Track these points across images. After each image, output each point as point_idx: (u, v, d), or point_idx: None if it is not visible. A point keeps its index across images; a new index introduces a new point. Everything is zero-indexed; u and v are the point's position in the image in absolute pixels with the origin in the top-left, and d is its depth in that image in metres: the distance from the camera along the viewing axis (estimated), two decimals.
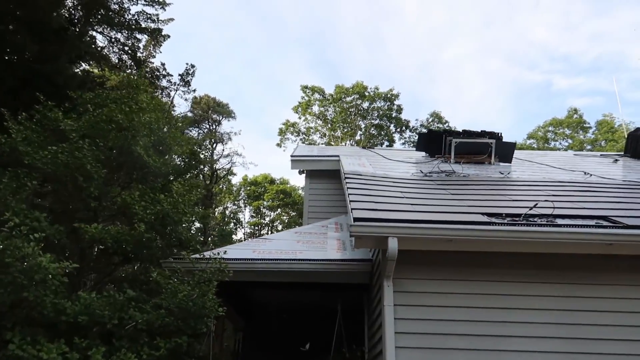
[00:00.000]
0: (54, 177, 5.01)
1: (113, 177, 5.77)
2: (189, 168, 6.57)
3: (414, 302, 5.12)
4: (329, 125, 35.23)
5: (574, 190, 7.01)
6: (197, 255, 5.49)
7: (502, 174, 8.61)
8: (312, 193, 10.73)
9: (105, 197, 5.44)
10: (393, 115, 34.35)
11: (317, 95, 35.81)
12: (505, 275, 5.19)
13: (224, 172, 34.26)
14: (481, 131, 10.74)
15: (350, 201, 5.81)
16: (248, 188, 38.10)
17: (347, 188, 6.73)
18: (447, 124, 32.70)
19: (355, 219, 4.93)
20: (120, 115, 5.46)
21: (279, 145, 35.98)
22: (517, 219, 5.19)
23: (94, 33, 18.14)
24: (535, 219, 5.16)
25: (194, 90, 17.47)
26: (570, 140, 33.23)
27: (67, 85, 8.50)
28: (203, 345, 6.27)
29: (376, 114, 34.89)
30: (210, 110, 30.35)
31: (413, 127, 34.22)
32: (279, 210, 37.88)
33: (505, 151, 10.27)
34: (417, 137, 13.16)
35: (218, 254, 5.54)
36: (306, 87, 35.58)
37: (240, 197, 38.67)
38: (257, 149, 60.51)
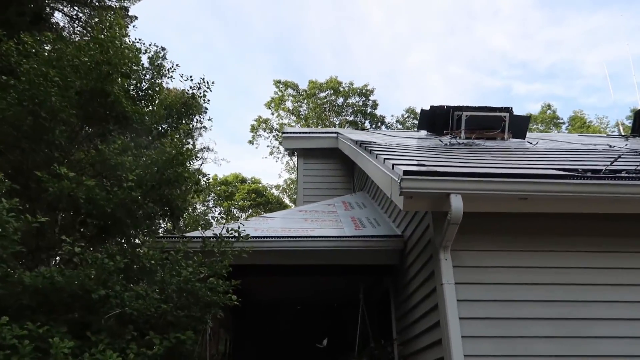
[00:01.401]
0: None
1: (82, 130, 4.45)
2: (179, 120, 5.30)
3: (480, 279, 4.03)
4: (303, 121, 34.06)
5: (625, 155, 6.12)
6: (198, 234, 4.24)
7: (532, 143, 7.69)
8: (306, 174, 9.57)
9: (70, 151, 4.13)
10: (368, 112, 33.52)
11: (290, 91, 34.66)
12: (589, 244, 4.17)
13: (194, 170, 32.44)
14: (486, 106, 9.88)
15: (385, 159, 4.69)
16: (218, 188, 36.44)
17: (371, 152, 5.62)
18: None
19: (406, 172, 3.81)
20: (92, 45, 4.18)
21: (251, 142, 34.57)
22: (598, 174, 4.19)
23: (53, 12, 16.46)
24: (622, 174, 4.18)
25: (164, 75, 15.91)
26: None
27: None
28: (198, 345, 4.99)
29: (351, 110, 34.00)
30: (179, 105, 28.56)
31: (389, 123, 33.53)
32: (250, 210, 36.38)
33: (519, 126, 9.40)
34: (418, 115, 12.17)
35: (238, 228, 4.33)
36: (279, 82, 34.40)
37: (210, 197, 36.94)
38: (223, 153, 58.89)
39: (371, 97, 33.56)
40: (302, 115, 34.26)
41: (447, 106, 10.07)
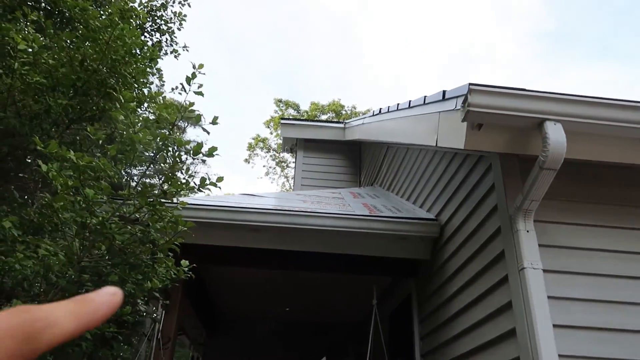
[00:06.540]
0: None
1: None
2: None
3: (580, 267, 2.57)
4: None
5: None
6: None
7: None
8: (306, 169, 8.15)
9: None
10: None
11: (291, 111, 33.53)
12: None
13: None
14: None
15: (425, 97, 3.32)
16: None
17: (398, 107, 4.25)
18: None
19: (474, 84, 2.42)
20: None
21: (247, 161, 33.05)
22: None
23: None
24: None
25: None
26: None
27: None
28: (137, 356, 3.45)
29: None
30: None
31: None
32: None
33: None
34: None
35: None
36: (280, 100, 33.20)
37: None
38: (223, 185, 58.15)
39: None
40: None
41: None
